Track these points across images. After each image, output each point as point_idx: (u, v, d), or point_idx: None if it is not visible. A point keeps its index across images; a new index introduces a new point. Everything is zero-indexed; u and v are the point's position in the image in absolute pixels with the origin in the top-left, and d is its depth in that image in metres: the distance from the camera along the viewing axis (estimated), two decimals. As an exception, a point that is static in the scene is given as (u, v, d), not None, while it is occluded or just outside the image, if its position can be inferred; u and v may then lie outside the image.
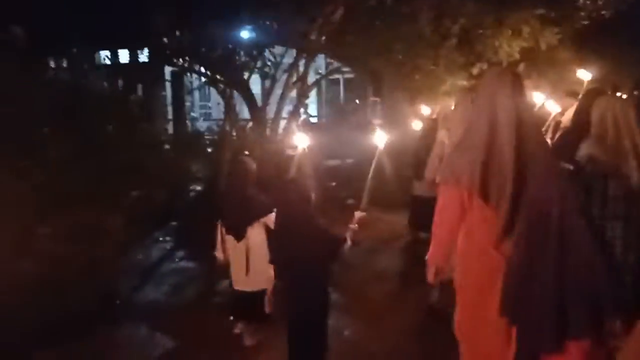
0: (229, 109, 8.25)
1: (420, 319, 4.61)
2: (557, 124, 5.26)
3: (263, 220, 3.84)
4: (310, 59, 7.85)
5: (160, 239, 7.21)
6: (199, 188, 8.43)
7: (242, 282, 3.97)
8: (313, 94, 16.58)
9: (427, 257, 2.80)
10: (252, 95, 7.96)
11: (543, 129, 5.02)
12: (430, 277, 2.80)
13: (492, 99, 2.58)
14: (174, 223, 7.61)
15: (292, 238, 3.19)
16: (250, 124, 8.34)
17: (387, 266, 6.02)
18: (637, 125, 2.94)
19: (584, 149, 2.98)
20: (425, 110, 7.14)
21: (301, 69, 8.07)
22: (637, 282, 2.77)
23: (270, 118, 8.10)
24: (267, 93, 8.16)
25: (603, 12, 6.71)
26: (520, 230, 2.30)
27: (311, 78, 9.08)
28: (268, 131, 7.86)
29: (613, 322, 2.24)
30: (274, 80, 7.91)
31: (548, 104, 5.75)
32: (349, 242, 3.19)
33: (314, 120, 14.60)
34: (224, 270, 4.16)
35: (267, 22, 7.49)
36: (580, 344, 2.12)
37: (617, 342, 2.15)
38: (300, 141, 3.57)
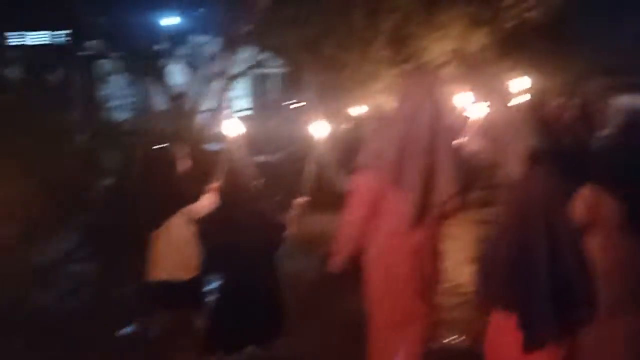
0: (147, 98, 7.70)
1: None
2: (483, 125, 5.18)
3: (187, 210, 3.78)
4: (235, 48, 7.40)
5: (60, 238, 6.53)
6: (109, 181, 7.79)
7: (172, 270, 3.84)
8: (245, 87, 16.10)
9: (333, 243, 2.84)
10: (171, 84, 7.44)
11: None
12: (334, 263, 2.82)
13: (411, 97, 2.73)
14: (77, 219, 6.93)
15: (233, 225, 3.19)
16: (169, 114, 7.79)
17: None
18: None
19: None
20: (356, 108, 6.99)
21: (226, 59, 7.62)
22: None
23: (192, 109, 7.60)
24: (188, 83, 7.66)
25: (529, 14, 6.64)
26: (507, 220, 2.32)
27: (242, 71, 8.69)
28: (187, 122, 7.36)
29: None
30: (196, 69, 7.43)
31: (476, 105, 5.65)
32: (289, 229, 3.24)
33: (244, 113, 14.10)
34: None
35: (190, 9, 7.01)
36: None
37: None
38: (230, 130, 3.52)
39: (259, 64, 8.33)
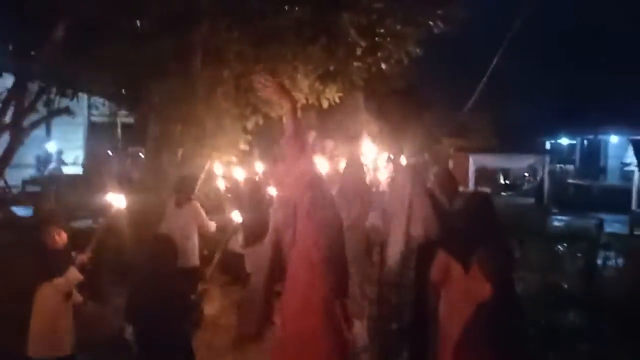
0: None
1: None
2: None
3: (57, 282, 3.74)
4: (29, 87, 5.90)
5: None
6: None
7: (50, 346, 3.81)
8: (80, 137, 14.15)
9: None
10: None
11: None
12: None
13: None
14: None
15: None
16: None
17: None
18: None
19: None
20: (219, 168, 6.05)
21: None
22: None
23: None
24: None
25: (377, 68, 6.15)
26: None
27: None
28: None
29: None
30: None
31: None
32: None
33: (72, 169, 12.18)
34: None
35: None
36: None
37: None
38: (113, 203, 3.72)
39: (59, 111, 6.83)
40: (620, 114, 22.54)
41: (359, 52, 5.58)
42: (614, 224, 16.26)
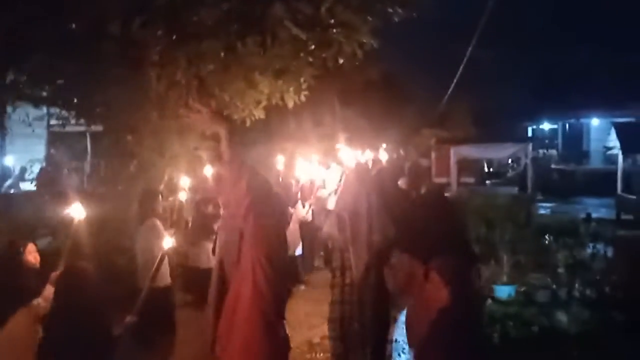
0: None
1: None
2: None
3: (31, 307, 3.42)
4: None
5: None
6: None
7: None
8: (42, 150, 13.52)
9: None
10: None
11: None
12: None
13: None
14: None
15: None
16: None
17: None
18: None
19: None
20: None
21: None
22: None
23: None
24: None
25: (334, 63, 5.60)
26: None
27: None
28: None
29: None
30: None
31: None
32: None
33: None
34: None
35: None
36: None
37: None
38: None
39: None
40: (601, 96, 22.42)
41: (302, 45, 5.06)
42: (600, 209, 16.11)
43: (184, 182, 6.01)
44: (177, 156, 6.08)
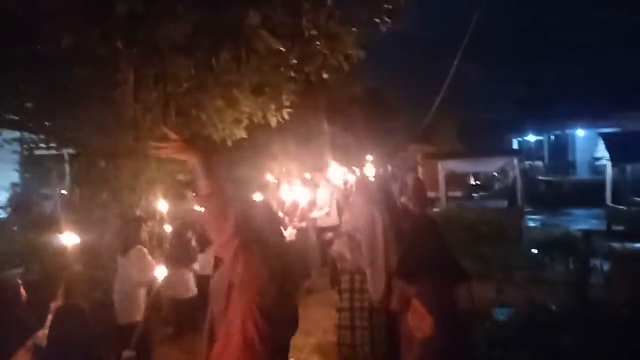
0: None
1: None
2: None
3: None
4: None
5: None
6: None
7: None
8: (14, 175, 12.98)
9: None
10: None
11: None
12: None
13: None
14: None
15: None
16: None
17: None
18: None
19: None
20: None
21: None
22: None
23: None
24: None
25: (316, 76, 5.35)
26: None
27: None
28: None
29: None
30: None
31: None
32: None
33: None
34: None
35: None
36: None
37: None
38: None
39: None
40: (586, 107, 22.48)
41: (282, 59, 4.78)
42: (589, 220, 15.95)
43: (162, 207, 5.69)
44: (154, 181, 5.76)
